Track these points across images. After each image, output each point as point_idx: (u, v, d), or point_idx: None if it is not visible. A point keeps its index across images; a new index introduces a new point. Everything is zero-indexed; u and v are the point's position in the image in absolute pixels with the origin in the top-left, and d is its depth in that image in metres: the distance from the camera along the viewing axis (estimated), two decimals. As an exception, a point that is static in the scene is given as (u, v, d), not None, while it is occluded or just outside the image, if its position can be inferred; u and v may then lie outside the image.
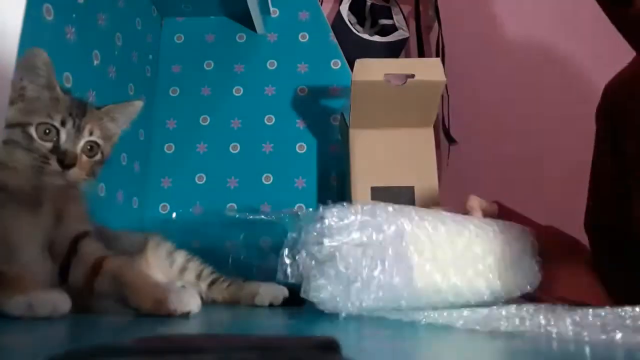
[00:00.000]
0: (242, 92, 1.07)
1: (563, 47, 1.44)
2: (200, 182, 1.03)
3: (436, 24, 1.56)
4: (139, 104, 0.63)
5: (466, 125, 1.47)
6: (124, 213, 0.89)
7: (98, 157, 0.57)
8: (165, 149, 1.04)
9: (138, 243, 0.68)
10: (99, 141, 0.56)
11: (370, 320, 0.47)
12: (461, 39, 1.58)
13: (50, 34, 0.70)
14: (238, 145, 1.04)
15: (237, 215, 0.99)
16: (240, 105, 1.06)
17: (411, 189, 0.84)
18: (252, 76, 1.07)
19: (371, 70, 0.85)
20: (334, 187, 0.98)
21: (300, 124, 1.05)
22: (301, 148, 1.04)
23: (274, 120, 1.05)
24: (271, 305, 0.65)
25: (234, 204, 1.01)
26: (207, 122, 1.06)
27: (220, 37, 1.10)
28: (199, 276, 0.71)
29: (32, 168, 0.50)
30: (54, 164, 0.51)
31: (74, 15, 0.75)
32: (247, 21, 1.06)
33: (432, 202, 0.81)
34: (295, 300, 0.57)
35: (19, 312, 0.41)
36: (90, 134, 0.55)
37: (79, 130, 0.54)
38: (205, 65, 1.08)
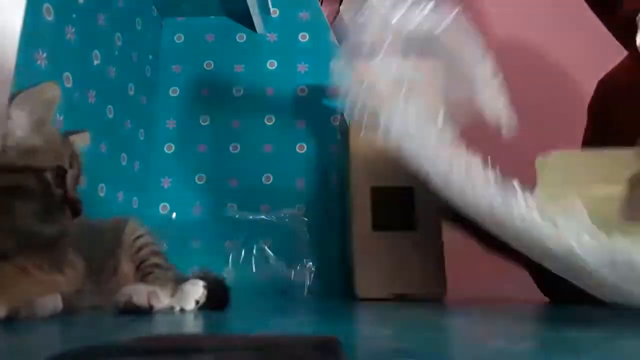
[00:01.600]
0: (242, 92, 1.07)
1: (562, 46, 1.44)
2: (200, 182, 1.03)
3: (436, 24, 1.56)
4: (86, 135, 0.55)
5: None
6: (124, 213, 0.89)
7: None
8: (165, 149, 1.04)
9: (114, 230, 0.63)
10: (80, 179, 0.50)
11: (371, 320, 0.47)
12: (461, 39, 1.57)
13: (50, 34, 0.70)
14: (238, 145, 1.04)
15: (237, 216, 0.99)
16: (240, 105, 1.06)
17: (411, 190, 0.83)
18: (252, 76, 1.07)
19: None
20: (334, 187, 0.98)
21: (300, 124, 1.05)
22: (301, 148, 1.04)
23: (274, 120, 1.05)
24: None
25: (234, 204, 1.01)
26: (207, 122, 1.06)
27: (220, 37, 1.10)
28: (138, 267, 0.62)
29: (37, 219, 0.44)
30: (67, 213, 0.46)
31: (74, 15, 0.75)
32: (247, 21, 1.06)
33: (432, 202, 0.80)
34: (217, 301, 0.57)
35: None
36: (80, 172, 0.49)
37: (78, 174, 0.49)
38: (205, 65, 1.08)
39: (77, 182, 0.48)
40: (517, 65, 1.52)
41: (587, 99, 0.76)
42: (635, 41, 0.51)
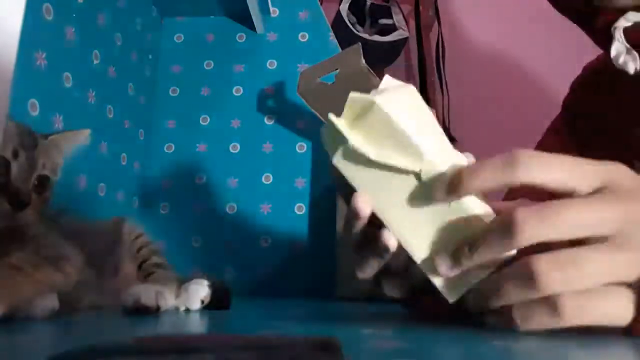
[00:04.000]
0: (242, 92, 1.07)
1: (563, 45, 1.44)
2: (200, 182, 1.03)
3: (436, 23, 1.56)
4: (86, 133, 0.55)
5: (466, 124, 1.46)
6: (124, 213, 0.89)
7: (48, 193, 0.48)
8: (165, 149, 1.05)
9: (113, 231, 0.63)
10: (51, 176, 0.48)
11: (371, 319, 0.47)
12: (461, 39, 1.58)
13: (50, 34, 0.70)
14: (238, 145, 1.04)
15: (237, 215, 0.99)
16: (240, 105, 1.06)
17: None
18: (252, 76, 1.07)
19: (310, 78, 0.87)
20: (334, 187, 0.98)
21: (300, 124, 1.05)
22: (301, 148, 1.04)
23: (273, 120, 1.05)
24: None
25: (234, 204, 1.01)
26: (207, 122, 1.06)
27: (220, 37, 1.10)
28: (139, 266, 0.62)
29: None
30: (3, 205, 0.43)
31: (74, 15, 0.76)
32: (247, 21, 1.06)
33: None
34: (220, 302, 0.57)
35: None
36: (43, 167, 0.47)
37: (31, 164, 0.46)
38: (205, 65, 1.08)
39: (29, 175, 0.46)
40: (526, 65, 1.52)
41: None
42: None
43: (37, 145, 0.47)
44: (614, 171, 0.32)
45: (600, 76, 0.67)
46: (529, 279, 0.30)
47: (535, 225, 0.30)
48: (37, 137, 0.48)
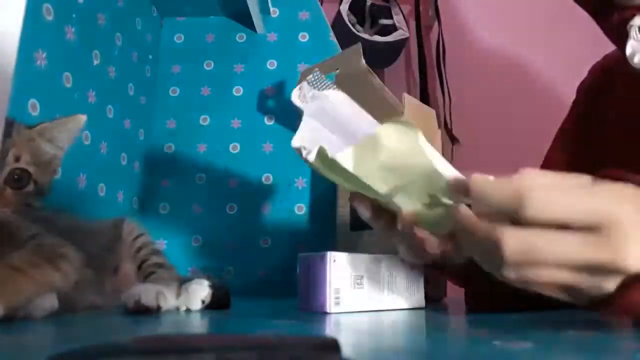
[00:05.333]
0: (242, 92, 1.07)
1: (564, 45, 1.44)
2: (200, 182, 1.03)
3: (436, 23, 1.56)
4: (81, 119, 0.51)
5: (468, 125, 1.46)
6: (124, 213, 0.89)
7: (30, 188, 0.46)
8: (165, 149, 1.04)
9: (113, 230, 0.63)
10: (29, 168, 0.46)
11: (371, 319, 0.47)
12: (461, 39, 1.58)
13: (50, 34, 0.70)
14: (238, 145, 1.04)
15: (236, 214, 0.99)
16: (240, 105, 1.06)
17: None
18: (252, 76, 1.07)
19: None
20: (334, 187, 0.98)
21: (300, 124, 1.05)
22: (301, 148, 1.04)
23: (274, 120, 1.05)
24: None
25: (234, 204, 1.01)
26: (207, 122, 1.06)
27: (220, 37, 1.10)
28: (139, 267, 0.62)
29: None
30: None
31: (74, 15, 0.75)
32: (247, 21, 1.06)
33: None
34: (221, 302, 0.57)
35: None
36: (17, 159, 0.45)
37: (1, 157, 0.44)
38: (205, 65, 1.08)
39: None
40: (527, 65, 1.52)
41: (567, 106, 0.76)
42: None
43: (11, 136, 0.45)
44: (617, 211, 0.32)
45: (612, 76, 0.67)
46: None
47: (520, 260, 0.32)
48: (12, 127, 0.46)
